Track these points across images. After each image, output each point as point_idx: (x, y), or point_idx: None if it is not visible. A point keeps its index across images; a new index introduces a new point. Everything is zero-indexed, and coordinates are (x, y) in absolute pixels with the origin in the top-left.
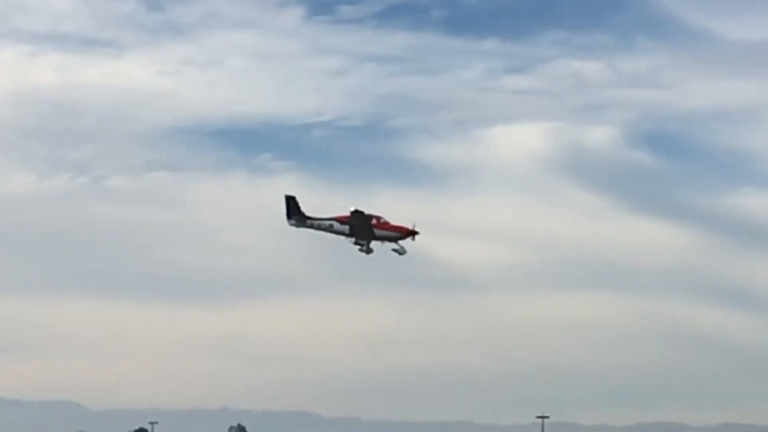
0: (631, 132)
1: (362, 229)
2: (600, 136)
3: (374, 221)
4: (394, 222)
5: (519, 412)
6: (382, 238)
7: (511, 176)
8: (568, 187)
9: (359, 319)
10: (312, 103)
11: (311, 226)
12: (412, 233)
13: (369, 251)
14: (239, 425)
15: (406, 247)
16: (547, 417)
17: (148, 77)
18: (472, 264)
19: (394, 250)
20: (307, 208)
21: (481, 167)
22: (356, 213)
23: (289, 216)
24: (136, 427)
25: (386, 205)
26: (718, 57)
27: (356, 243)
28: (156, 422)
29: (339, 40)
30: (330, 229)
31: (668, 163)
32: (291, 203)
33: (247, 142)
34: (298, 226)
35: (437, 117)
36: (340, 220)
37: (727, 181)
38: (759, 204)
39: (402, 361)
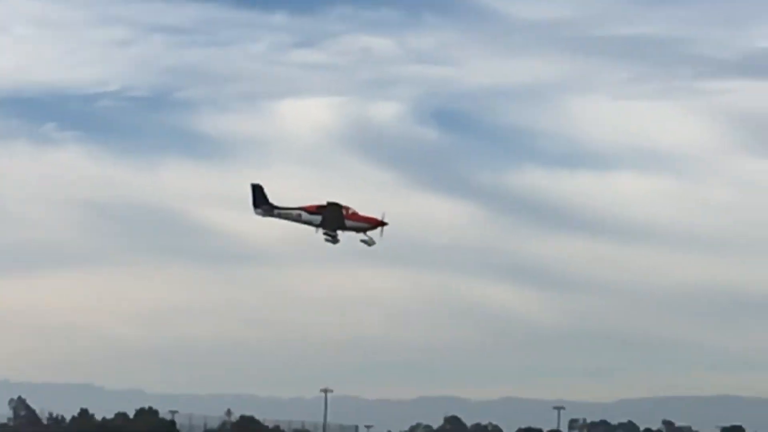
0: (418, 108)
1: (335, 220)
2: (387, 111)
3: (344, 212)
4: (363, 213)
5: (302, 385)
6: (352, 229)
7: (298, 150)
8: (356, 161)
9: (144, 291)
10: (98, 73)
11: (278, 216)
12: (381, 224)
13: (336, 241)
14: (20, 398)
15: (375, 238)
16: (331, 391)
17: None
18: (260, 238)
19: (363, 241)
20: (273, 197)
21: (268, 141)
22: (332, 205)
23: (255, 205)
24: None
25: (171, 176)
26: (504, 35)
27: (325, 233)
28: None
29: (127, 9)
30: (298, 219)
31: (454, 140)
32: (257, 192)
33: (31, 111)
34: (264, 215)
35: (225, 90)
36: (309, 210)
37: (512, 158)
38: (542, 181)
39: (187, 333)
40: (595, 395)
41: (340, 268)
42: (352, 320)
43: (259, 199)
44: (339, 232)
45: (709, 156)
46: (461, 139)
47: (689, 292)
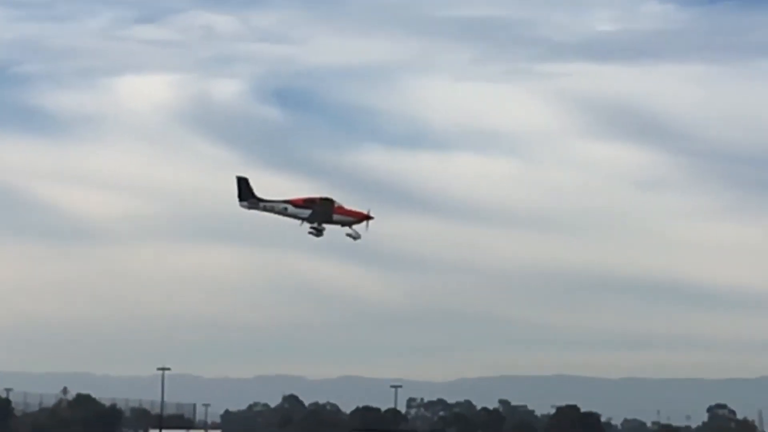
0: (260, 86)
1: (324, 214)
2: (229, 89)
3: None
4: (349, 207)
5: (139, 363)
6: (338, 223)
7: (138, 127)
8: (196, 139)
9: None
10: None
11: (264, 209)
12: (367, 218)
13: (320, 235)
14: None
15: (361, 232)
16: (168, 369)
17: None
18: (97, 214)
19: (348, 235)
20: (259, 190)
21: (107, 117)
22: (325, 200)
23: (241, 198)
24: None
25: (8, 152)
26: (347, 15)
27: (312, 227)
28: None
29: None
30: (284, 212)
31: (296, 119)
32: (243, 185)
33: None
34: (250, 208)
35: (64, 65)
36: (295, 203)
37: (353, 138)
38: (384, 161)
39: (22, 311)
40: (433, 374)
41: (180, 246)
42: (191, 298)
43: (245, 192)
44: (325, 226)
45: (549, 138)
46: (303, 118)
47: (527, 273)
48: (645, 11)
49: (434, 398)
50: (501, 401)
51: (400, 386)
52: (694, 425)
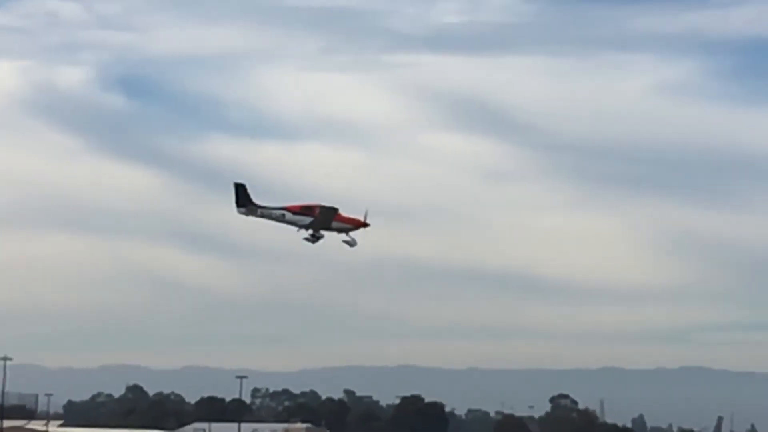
0: (104, 74)
1: (326, 222)
2: (73, 77)
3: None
4: (346, 215)
5: None
6: (336, 230)
7: None
8: (40, 127)
9: None
10: None
11: (261, 215)
12: (364, 225)
13: (316, 241)
14: None
15: (357, 239)
16: (10, 359)
17: None
18: None
19: (345, 242)
20: (256, 197)
21: None
22: (329, 209)
23: (238, 204)
24: None
25: None
26: (193, 3)
27: (312, 234)
28: None
29: None
30: (281, 219)
31: (140, 107)
32: (240, 191)
33: None
34: (248, 214)
35: None
36: (292, 209)
37: (198, 126)
38: (228, 150)
39: None
40: (278, 364)
41: (23, 234)
42: (34, 287)
43: (243, 199)
44: (324, 233)
45: (396, 129)
46: (148, 106)
47: (372, 264)
48: (491, 4)
49: (279, 389)
50: (346, 391)
51: (245, 377)
52: (536, 415)
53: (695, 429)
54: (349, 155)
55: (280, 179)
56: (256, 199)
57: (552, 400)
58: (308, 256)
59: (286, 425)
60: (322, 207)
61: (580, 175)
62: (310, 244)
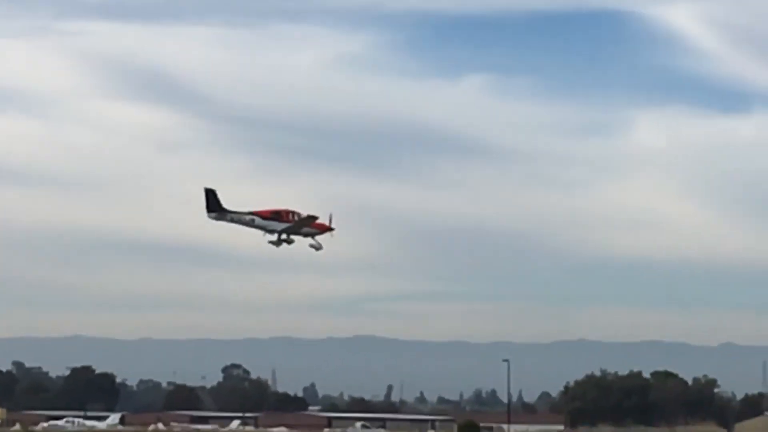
0: None
1: (301, 228)
2: None
3: (293, 217)
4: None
5: None
6: (305, 234)
7: None
8: None
9: None
10: None
11: (231, 220)
12: (329, 229)
13: (280, 244)
14: None
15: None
16: None
17: None
18: None
19: (312, 246)
20: (226, 202)
21: None
22: (310, 217)
23: (209, 209)
24: None
25: None
26: None
27: (283, 239)
28: None
29: None
30: (251, 224)
31: None
32: (210, 196)
33: None
34: (217, 219)
35: None
36: (262, 214)
37: None
38: None
39: None
40: None
41: None
42: None
43: (213, 204)
44: (294, 238)
45: (68, 97)
46: None
47: (43, 233)
48: None
49: None
50: (14, 363)
51: None
52: (209, 385)
53: (366, 397)
54: (20, 123)
55: None
56: (226, 205)
57: (224, 370)
58: None
59: None
60: (305, 216)
61: (255, 147)
62: (274, 247)
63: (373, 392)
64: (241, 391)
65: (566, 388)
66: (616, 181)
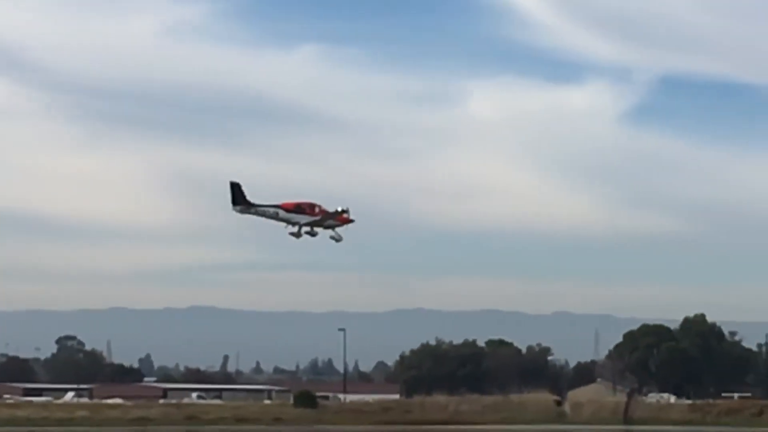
0: None
1: (328, 221)
2: None
3: (317, 209)
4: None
5: None
6: (326, 226)
7: None
8: None
9: None
10: None
11: (256, 213)
12: (350, 221)
13: (300, 235)
14: None
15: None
16: None
17: None
18: None
19: (332, 237)
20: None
21: None
22: (337, 212)
23: (234, 202)
24: None
25: None
26: None
27: (306, 231)
28: None
29: None
30: (275, 216)
31: None
32: (236, 190)
33: None
34: (242, 212)
35: None
36: (285, 207)
37: None
38: None
39: None
40: None
41: None
42: None
43: (238, 197)
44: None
45: None
46: None
47: None
48: None
49: None
50: None
51: None
52: (42, 357)
53: (202, 368)
54: None
55: None
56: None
57: (58, 341)
58: None
59: None
60: (333, 210)
61: (88, 116)
62: (294, 238)
63: (209, 363)
64: (76, 363)
65: (402, 357)
66: (451, 151)
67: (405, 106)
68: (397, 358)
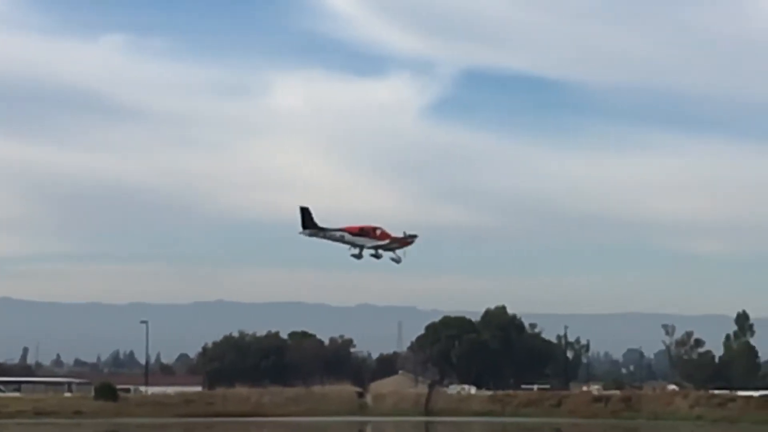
0: None
1: (396, 246)
2: None
3: (378, 232)
4: (394, 234)
5: None
6: (389, 249)
7: None
8: None
9: None
10: None
11: (324, 237)
12: (409, 244)
13: (360, 257)
14: None
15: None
16: None
17: None
18: None
19: (392, 259)
20: (319, 220)
21: None
22: (410, 236)
23: (304, 226)
24: None
25: None
26: None
27: (361, 252)
28: None
29: None
30: (341, 240)
31: None
32: (305, 214)
33: None
34: (311, 236)
35: None
36: (350, 231)
37: None
38: None
39: None
40: None
41: None
42: None
43: (308, 221)
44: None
45: None
46: None
47: None
48: None
49: None
50: None
51: None
52: None
53: (0, 360)
54: None
55: None
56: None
57: None
58: None
59: None
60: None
61: None
62: (355, 259)
63: (8, 355)
64: None
65: (204, 349)
66: (256, 143)
67: (209, 97)
68: (200, 350)
